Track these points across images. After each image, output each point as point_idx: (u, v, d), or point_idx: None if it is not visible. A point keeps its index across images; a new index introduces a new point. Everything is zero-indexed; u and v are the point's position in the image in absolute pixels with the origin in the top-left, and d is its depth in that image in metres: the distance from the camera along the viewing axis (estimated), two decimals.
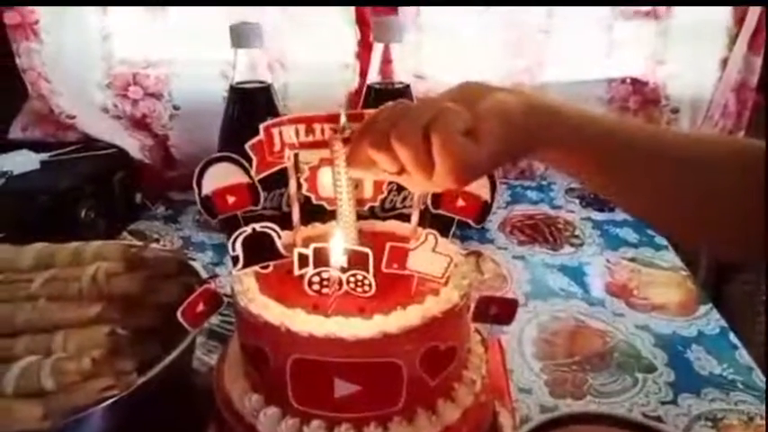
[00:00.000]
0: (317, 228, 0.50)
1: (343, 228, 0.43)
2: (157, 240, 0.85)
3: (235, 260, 0.43)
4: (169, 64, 0.99)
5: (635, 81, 1.01)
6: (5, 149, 0.84)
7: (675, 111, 1.00)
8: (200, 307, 0.44)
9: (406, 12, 0.94)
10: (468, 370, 0.45)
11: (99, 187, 0.84)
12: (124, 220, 0.88)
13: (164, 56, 0.99)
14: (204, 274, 0.60)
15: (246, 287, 0.42)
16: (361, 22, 0.95)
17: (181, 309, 0.43)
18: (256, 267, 0.43)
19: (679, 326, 0.68)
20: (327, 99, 0.97)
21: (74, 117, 0.92)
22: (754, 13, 0.93)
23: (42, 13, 0.91)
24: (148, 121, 1.00)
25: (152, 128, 1.01)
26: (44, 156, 0.85)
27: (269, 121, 0.44)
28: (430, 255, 0.41)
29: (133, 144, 0.96)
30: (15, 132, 0.94)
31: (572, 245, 0.86)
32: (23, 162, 0.83)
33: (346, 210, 0.43)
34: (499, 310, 0.44)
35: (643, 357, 0.63)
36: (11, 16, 0.89)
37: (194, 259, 0.62)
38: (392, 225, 0.49)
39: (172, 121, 1.01)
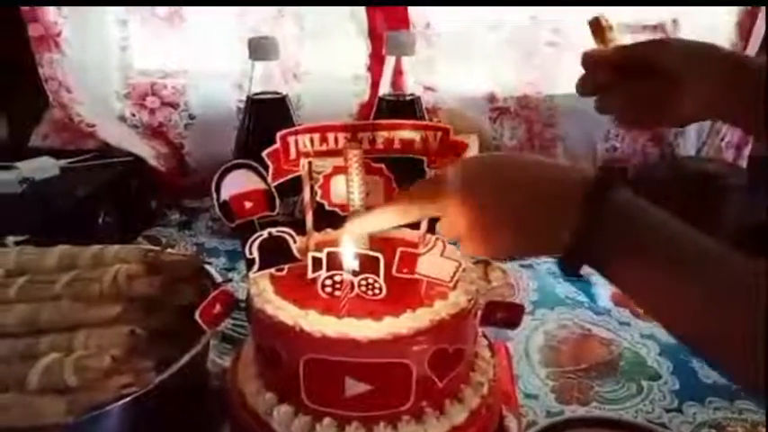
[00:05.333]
0: (329, 233, 0.52)
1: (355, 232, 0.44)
2: (172, 246, 0.87)
3: (251, 263, 0.44)
4: (185, 75, 1.01)
5: None
6: (27, 156, 0.86)
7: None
8: (217, 308, 0.46)
9: (416, 24, 0.96)
10: (476, 373, 0.46)
11: (116, 194, 0.86)
12: (140, 226, 0.90)
13: (180, 67, 1.01)
14: (219, 278, 0.61)
15: (262, 289, 0.44)
16: (373, 35, 0.97)
17: (198, 310, 0.44)
18: (272, 270, 0.45)
19: None
20: (339, 110, 1.00)
21: (93, 125, 0.95)
22: (759, 29, 0.95)
23: (65, 25, 0.94)
24: (164, 129, 1.03)
25: (168, 136, 1.03)
26: (63, 162, 0.87)
27: (285, 131, 0.46)
28: (439, 260, 0.43)
29: (149, 152, 0.99)
30: (37, 140, 0.97)
31: None
32: (44, 168, 0.85)
33: None
34: (506, 315, 0.45)
35: (648, 366, 0.64)
36: (35, 28, 0.92)
37: (209, 263, 0.64)
38: (402, 231, 0.51)
39: (187, 130, 1.03)
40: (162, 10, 0.99)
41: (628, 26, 0.98)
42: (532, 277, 0.81)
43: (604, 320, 0.72)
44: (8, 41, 0.93)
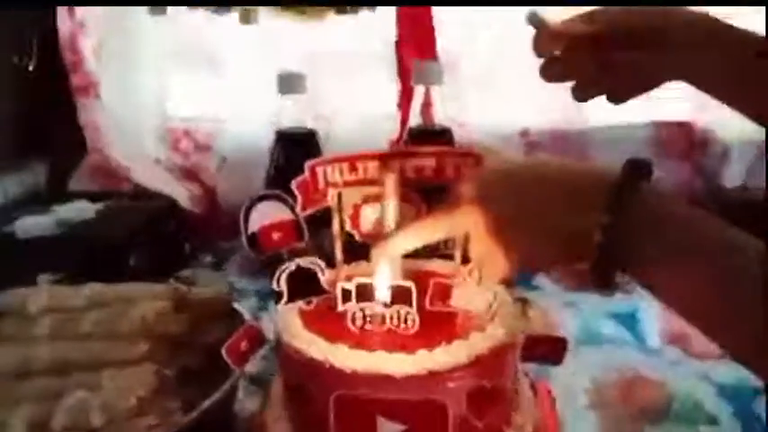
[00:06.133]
0: (359, 266, 0.50)
1: (387, 263, 0.42)
2: (204, 286, 0.86)
3: (278, 295, 0.43)
4: (219, 118, 1.03)
5: (682, 124, 0.99)
6: (65, 200, 0.88)
7: (725, 154, 0.97)
8: (244, 345, 0.44)
9: (444, 57, 0.95)
10: (518, 413, 0.43)
11: (149, 236, 0.87)
12: (172, 268, 0.90)
13: (214, 110, 1.03)
14: (248, 317, 0.60)
15: (289, 323, 0.42)
16: (403, 73, 0.98)
17: (225, 346, 0.43)
18: (300, 303, 0.43)
19: (745, 375, 0.63)
20: (369, 148, 0.99)
21: (128, 169, 0.96)
22: None
23: (104, 73, 0.97)
24: (198, 172, 1.04)
25: (201, 179, 1.04)
26: (99, 205, 0.89)
27: (314, 161, 0.45)
28: (474, 290, 0.41)
29: (183, 194, 1.00)
30: (75, 184, 0.99)
31: (625, 291, 0.82)
32: (80, 211, 0.87)
33: None
34: (548, 349, 0.43)
35: (705, 409, 0.59)
36: (75, 77, 0.95)
37: (239, 300, 0.63)
38: (435, 264, 0.49)
39: (220, 172, 1.04)
40: (197, 56, 1.02)
41: None
42: (575, 316, 0.77)
43: (654, 360, 0.67)
44: (50, 90, 0.97)
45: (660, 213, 0.33)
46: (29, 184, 0.97)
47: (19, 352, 0.49)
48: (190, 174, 1.04)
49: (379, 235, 0.43)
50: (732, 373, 0.64)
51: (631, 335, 0.72)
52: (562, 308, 0.79)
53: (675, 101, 0.98)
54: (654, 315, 0.76)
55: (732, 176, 0.98)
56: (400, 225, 0.42)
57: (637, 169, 0.34)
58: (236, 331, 0.49)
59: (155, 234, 0.89)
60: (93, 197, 0.90)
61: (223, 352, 0.43)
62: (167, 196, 0.96)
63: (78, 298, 0.51)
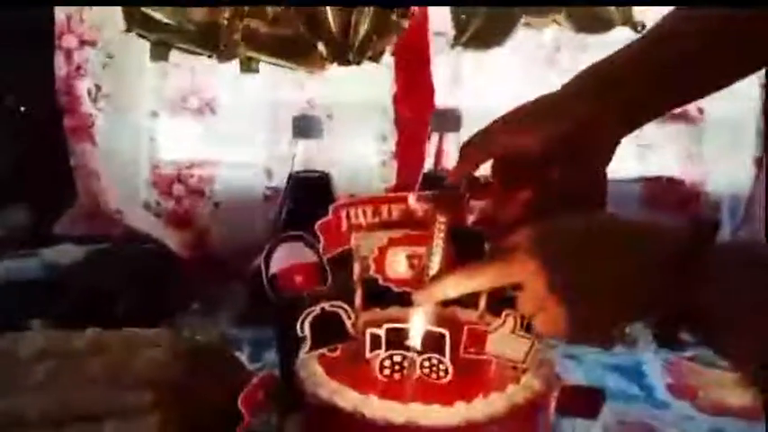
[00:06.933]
0: (376, 313, 0.48)
1: (420, 309, 0.41)
2: (195, 335, 0.82)
3: (301, 342, 0.41)
4: (213, 163, 1.02)
5: (671, 180, 1.01)
6: (51, 243, 0.85)
7: (715, 208, 0.99)
8: (260, 394, 0.41)
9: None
10: None
11: (138, 281, 0.84)
12: (163, 315, 0.86)
13: (208, 156, 1.02)
14: (250, 367, 0.57)
15: (313, 371, 0.40)
16: (400, 123, 0.99)
17: (241, 396, 0.40)
18: (324, 350, 0.41)
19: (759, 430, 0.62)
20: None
21: (119, 212, 0.94)
22: None
23: (98, 116, 0.96)
24: (190, 217, 1.02)
25: (193, 224, 1.02)
26: (87, 249, 0.86)
27: (338, 202, 0.44)
28: (510, 337, 0.39)
29: (174, 239, 0.97)
30: (63, 227, 0.95)
31: (625, 343, 0.82)
32: (66, 255, 0.84)
33: None
34: (583, 401, 0.41)
35: None
36: (70, 119, 0.94)
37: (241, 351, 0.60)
38: (459, 310, 0.47)
39: (212, 218, 1.02)
40: (193, 101, 1.01)
41: None
42: (578, 368, 0.76)
43: (665, 414, 0.66)
44: (41, 133, 0.95)
45: (734, 275, 0.33)
46: (14, 227, 0.93)
47: (7, 400, 0.46)
48: (181, 219, 1.02)
49: (410, 280, 0.41)
50: (744, 428, 0.63)
51: (638, 388, 0.71)
52: (564, 360, 0.77)
53: (663, 161, 1.00)
54: (659, 368, 0.75)
55: (723, 231, 1.00)
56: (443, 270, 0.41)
57: (706, 228, 0.35)
58: (238, 381, 0.46)
59: (144, 280, 0.86)
60: (81, 241, 0.87)
61: (239, 403, 0.40)
62: (158, 241, 0.93)
63: (79, 341, 0.48)
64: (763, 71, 0.96)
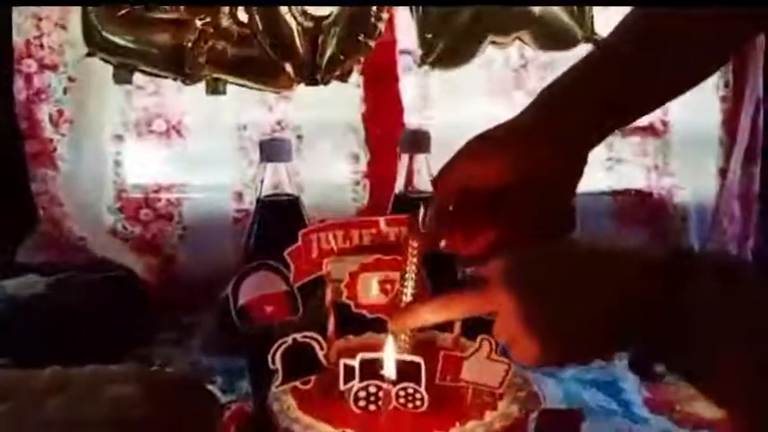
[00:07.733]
0: (350, 340, 0.47)
1: (394, 337, 0.40)
2: (165, 365, 0.80)
3: (272, 374, 0.39)
4: (180, 187, 1.00)
5: (639, 192, 1.02)
6: (12, 273, 0.82)
7: (684, 219, 1.01)
8: (232, 430, 0.40)
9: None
10: None
11: (106, 310, 0.81)
12: (131, 346, 0.84)
13: (176, 179, 1.00)
14: (223, 399, 0.56)
15: (286, 405, 0.39)
16: (370, 142, 0.98)
17: None
18: (296, 383, 0.39)
19: None
20: (338, 216, 0.98)
21: (83, 239, 0.91)
22: (744, 128, 0.98)
23: (60, 141, 0.93)
24: (157, 242, 0.99)
25: (160, 249, 0.99)
26: (50, 279, 0.83)
27: (307, 228, 0.43)
28: (485, 363, 0.39)
29: (140, 265, 0.95)
30: (23, 256, 0.92)
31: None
32: (28, 286, 0.81)
33: None
34: (563, 424, 0.40)
35: None
36: (31, 144, 0.91)
37: (214, 382, 0.58)
38: (433, 334, 0.46)
39: (180, 242, 1.00)
40: (159, 125, 0.99)
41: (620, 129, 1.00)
42: (557, 385, 0.75)
43: (643, 429, 0.65)
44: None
45: (713, 311, 0.32)
46: None
47: None
48: (148, 244, 0.99)
49: (383, 306, 0.40)
50: None
51: (616, 403, 0.71)
52: (542, 378, 0.77)
53: (631, 173, 1.02)
54: (636, 383, 0.75)
55: (691, 242, 1.02)
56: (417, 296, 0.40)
57: (683, 265, 0.33)
58: (210, 414, 0.45)
59: (110, 310, 0.83)
60: (43, 269, 0.84)
61: None
62: (124, 268, 0.91)
63: (38, 381, 0.46)
64: (722, 83, 0.99)
